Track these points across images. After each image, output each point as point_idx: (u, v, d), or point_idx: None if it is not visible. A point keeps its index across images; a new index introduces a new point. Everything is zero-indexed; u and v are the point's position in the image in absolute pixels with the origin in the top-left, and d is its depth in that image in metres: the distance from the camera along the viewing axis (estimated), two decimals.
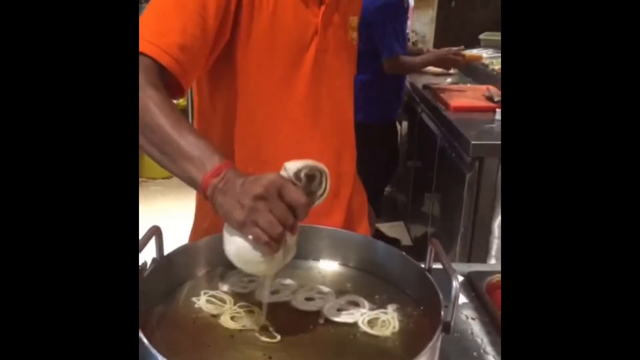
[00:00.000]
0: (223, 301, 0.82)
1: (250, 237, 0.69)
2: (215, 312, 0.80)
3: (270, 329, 0.76)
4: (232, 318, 0.78)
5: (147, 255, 0.77)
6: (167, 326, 0.77)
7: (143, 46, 0.83)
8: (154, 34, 0.85)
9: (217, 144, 1.01)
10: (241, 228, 0.69)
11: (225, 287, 0.86)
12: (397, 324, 0.79)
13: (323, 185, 0.73)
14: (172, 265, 0.83)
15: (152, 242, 0.78)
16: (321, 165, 0.73)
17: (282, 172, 0.71)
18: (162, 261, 0.81)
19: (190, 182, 0.76)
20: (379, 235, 2.95)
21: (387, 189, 3.41)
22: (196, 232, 1.13)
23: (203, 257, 0.89)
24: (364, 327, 0.78)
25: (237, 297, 0.83)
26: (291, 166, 0.71)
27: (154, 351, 0.62)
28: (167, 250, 0.82)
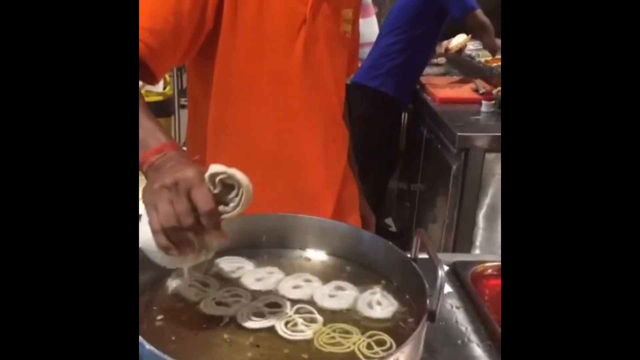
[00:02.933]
0: (207, 285, 0.83)
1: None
2: (199, 299, 0.79)
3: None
4: (218, 304, 0.79)
5: None
6: (153, 315, 0.77)
7: None
8: None
9: (208, 130, 1.01)
10: (145, 206, 0.68)
11: (211, 273, 0.86)
12: (395, 303, 0.80)
13: (237, 199, 0.69)
14: None
15: None
16: (242, 177, 0.69)
17: (207, 173, 0.69)
18: None
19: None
20: (382, 229, 2.90)
21: None
22: None
23: None
24: (363, 311, 0.79)
25: (223, 282, 0.84)
26: (210, 168, 0.69)
27: (141, 339, 0.62)
28: None
